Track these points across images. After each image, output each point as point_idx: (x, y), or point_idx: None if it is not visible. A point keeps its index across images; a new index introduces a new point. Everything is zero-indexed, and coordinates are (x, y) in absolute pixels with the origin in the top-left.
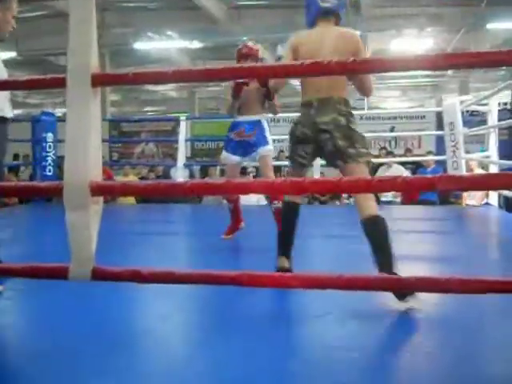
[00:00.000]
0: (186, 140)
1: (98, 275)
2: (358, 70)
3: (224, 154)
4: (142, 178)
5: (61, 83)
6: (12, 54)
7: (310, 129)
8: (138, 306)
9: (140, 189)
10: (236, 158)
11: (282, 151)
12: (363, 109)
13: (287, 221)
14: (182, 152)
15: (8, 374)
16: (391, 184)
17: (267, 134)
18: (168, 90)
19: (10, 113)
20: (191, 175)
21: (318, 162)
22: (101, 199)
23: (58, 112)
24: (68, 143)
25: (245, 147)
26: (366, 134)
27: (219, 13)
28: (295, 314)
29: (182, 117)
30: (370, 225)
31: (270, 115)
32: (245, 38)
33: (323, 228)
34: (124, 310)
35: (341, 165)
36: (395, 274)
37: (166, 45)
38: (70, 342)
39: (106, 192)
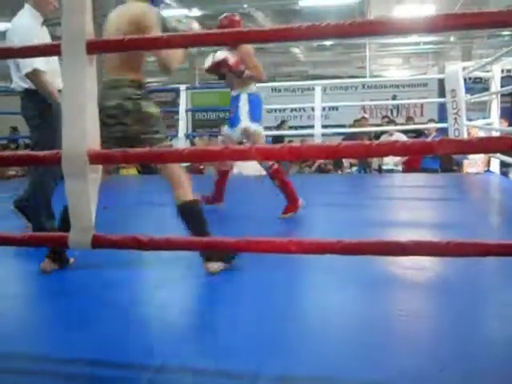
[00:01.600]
0: (187, 110)
1: (98, 243)
2: (355, 33)
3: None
4: None
5: (56, 50)
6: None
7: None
8: None
9: (139, 156)
10: (227, 131)
11: (284, 121)
12: (365, 77)
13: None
14: (183, 123)
15: None
16: (390, 148)
17: (241, 111)
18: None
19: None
20: (192, 146)
21: (319, 129)
22: (99, 167)
23: None
24: (65, 112)
25: (231, 120)
26: (367, 103)
27: None
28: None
29: (182, 87)
30: (183, 211)
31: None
32: (245, 6)
33: (326, 196)
34: None
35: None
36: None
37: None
38: None
39: (105, 160)
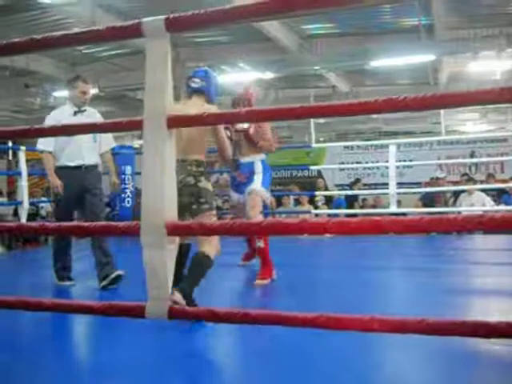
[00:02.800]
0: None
1: (175, 314)
2: (436, 105)
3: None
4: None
5: (138, 126)
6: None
7: None
8: None
9: (216, 228)
10: (238, 196)
11: (358, 179)
12: (439, 132)
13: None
14: None
15: None
16: (477, 223)
17: (256, 176)
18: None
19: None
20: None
21: (394, 189)
22: (176, 239)
23: (136, 144)
24: (145, 184)
25: (241, 187)
26: (444, 160)
27: (291, 43)
28: None
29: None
30: (195, 257)
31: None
32: (317, 68)
33: (402, 259)
34: None
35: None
36: (190, 299)
37: (239, 77)
38: None
39: (182, 232)
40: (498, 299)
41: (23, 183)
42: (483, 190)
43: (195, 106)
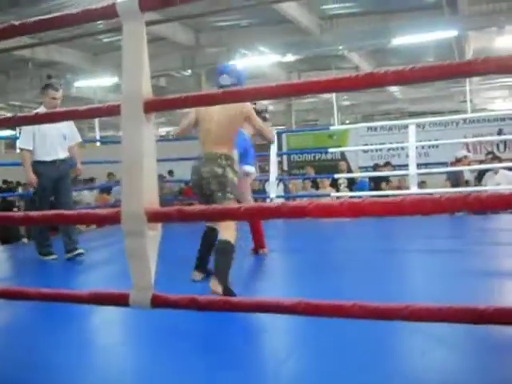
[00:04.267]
0: (279, 154)
1: (158, 302)
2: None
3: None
4: None
5: (116, 111)
6: (114, 80)
7: (197, 176)
8: None
9: (196, 214)
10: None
11: (388, 163)
12: (466, 112)
13: (207, 242)
14: (274, 167)
15: None
16: (462, 203)
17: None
18: (265, 104)
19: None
20: (285, 189)
21: (414, 170)
22: (158, 225)
23: (162, 132)
24: (123, 170)
25: None
26: (470, 139)
27: (311, 24)
28: None
29: (274, 131)
30: (218, 246)
31: None
32: (340, 47)
33: (422, 241)
34: None
35: (213, 202)
36: (226, 286)
37: (259, 60)
38: None
39: (162, 218)
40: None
41: None
42: (511, 169)
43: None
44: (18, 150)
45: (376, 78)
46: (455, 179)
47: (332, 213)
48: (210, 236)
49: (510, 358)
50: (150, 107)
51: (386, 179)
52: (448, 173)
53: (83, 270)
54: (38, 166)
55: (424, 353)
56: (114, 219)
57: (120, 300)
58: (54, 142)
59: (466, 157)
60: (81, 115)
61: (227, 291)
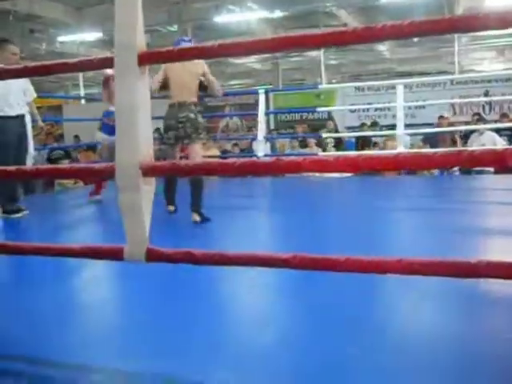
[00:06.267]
0: (267, 113)
1: (153, 256)
2: (455, 28)
3: (101, 135)
4: (223, 152)
5: (110, 63)
6: (98, 35)
7: (174, 120)
8: None
9: (188, 168)
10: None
11: (375, 122)
12: (453, 73)
13: (171, 181)
14: (262, 125)
15: None
16: (456, 159)
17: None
18: (252, 62)
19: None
20: (273, 148)
21: (402, 130)
22: (153, 180)
23: None
24: (118, 124)
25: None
26: (456, 100)
27: None
28: None
29: (261, 90)
30: (193, 181)
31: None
32: (328, 4)
33: (409, 200)
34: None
35: (188, 143)
36: (202, 214)
37: (246, 16)
38: None
39: (157, 172)
40: (502, 239)
41: (28, 130)
42: (497, 131)
43: (188, 63)
44: None
45: (375, 31)
46: (433, 140)
47: (327, 167)
48: (172, 177)
49: (497, 310)
50: (145, 59)
51: (371, 142)
52: (425, 134)
53: (71, 227)
54: (3, 121)
55: (415, 306)
56: (109, 174)
57: (114, 254)
58: (17, 96)
59: (443, 117)
60: (72, 68)
61: (203, 218)
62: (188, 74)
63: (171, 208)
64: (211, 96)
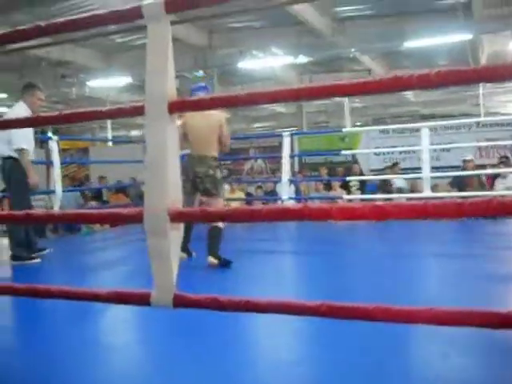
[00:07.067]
0: (292, 156)
1: (180, 302)
2: (482, 78)
3: None
4: (247, 195)
5: (141, 111)
6: (128, 80)
7: (192, 174)
8: None
9: (219, 214)
10: None
11: (395, 163)
12: (478, 115)
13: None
14: (286, 168)
15: None
16: (485, 208)
17: None
18: (276, 105)
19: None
20: (297, 190)
21: (428, 173)
22: (181, 226)
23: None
24: (147, 170)
25: None
26: (482, 143)
27: (323, 26)
28: None
29: (285, 133)
30: (211, 231)
31: None
32: (353, 50)
33: (432, 246)
34: None
35: (207, 199)
36: (220, 257)
37: (271, 62)
38: None
39: (185, 217)
40: None
41: (56, 172)
42: None
43: (207, 114)
44: (14, 151)
45: (402, 81)
46: (460, 183)
47: (356, 215)
48: (188, 223)
49: None
50: (175, 108)
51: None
52: (454, 178)
53: (96, 270)
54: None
55: (444, 356)
56: (137, 219)
57: (141, 299)
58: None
59: (468, 161)
60: (105, 115)
61: (222, 260)
62: (207, 126)
63: (183, 255)
64: (220, 150)
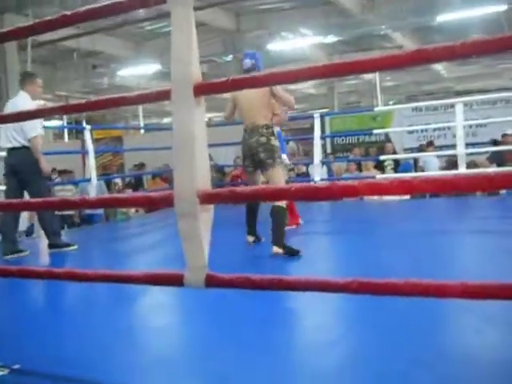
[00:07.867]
0: (323, 137)
1: (212, 282)
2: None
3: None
4: None
5: (167, 96)
6: (158, 67)
7: (247, 147)
8: None
9: (248, 194)
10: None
11: (430, 142)
12: None
13: (252, 210)
14: (318, 149)
15: None
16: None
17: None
18: (306, 87)
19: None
20: (329, 172)
21: (463, 149)
22: (211, 207)
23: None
24: (175, 153)
25: None
26: None
27: (352, 4)
28: None
29: (316, 114)
30: (272, 211)
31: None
32: (383, 27)
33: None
34: None
35: (264, 170)
36: (285, 246)
37: (300, 43)
38: None
39: (214, 199)
40: None
41: (91, 161)
42: None
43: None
44: (28, 139)
45: (426, 53)
46: (499, 158)
47: (383, 190)
48: (253, 204)
49: None
50: (200, 91)
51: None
52: (491, 152)
53: (131, 255)
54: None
55: (477, 331)
56: (167, 202)
57: (174, 280)
58: (7, 130)
59: (507, 135)
60: (131, 101)
61: (288, 250)
62: (255, 94)
63: (250, 239)
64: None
